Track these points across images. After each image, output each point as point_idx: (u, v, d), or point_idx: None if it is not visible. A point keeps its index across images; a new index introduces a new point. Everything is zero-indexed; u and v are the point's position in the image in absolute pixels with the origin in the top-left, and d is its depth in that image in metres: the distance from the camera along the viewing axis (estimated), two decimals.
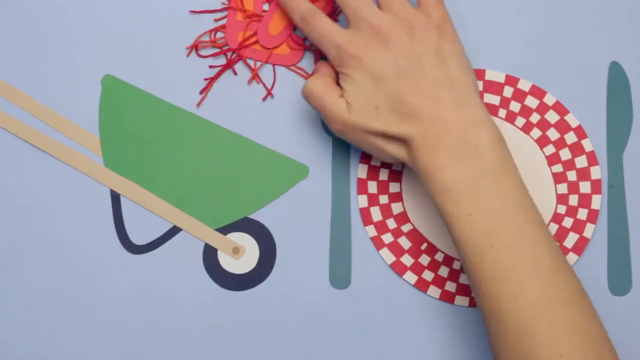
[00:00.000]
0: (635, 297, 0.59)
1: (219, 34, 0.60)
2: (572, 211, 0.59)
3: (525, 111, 0.60)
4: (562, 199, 0.59)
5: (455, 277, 0.59)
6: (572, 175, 0.59)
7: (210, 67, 0.59)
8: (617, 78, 0.60)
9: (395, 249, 0.59)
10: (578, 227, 0.59)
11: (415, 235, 0.59)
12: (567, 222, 0.59)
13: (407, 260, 0.59)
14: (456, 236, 0.51)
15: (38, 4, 0.61)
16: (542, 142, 0.59)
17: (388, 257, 0.59)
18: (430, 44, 0.52)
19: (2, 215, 0.60)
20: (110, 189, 0.60)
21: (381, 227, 0.59)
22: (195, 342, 0.59)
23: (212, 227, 0.59)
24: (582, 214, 0.59)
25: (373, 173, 0.60)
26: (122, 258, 0.60)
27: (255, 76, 0.59)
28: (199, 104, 0.59)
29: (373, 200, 0.60)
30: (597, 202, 0.59)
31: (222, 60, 0.60)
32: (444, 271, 0.59)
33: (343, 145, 0.60)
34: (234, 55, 0.59)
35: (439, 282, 0.59)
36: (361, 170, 0.60)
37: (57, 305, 0.60)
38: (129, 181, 0.60)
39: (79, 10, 0.61)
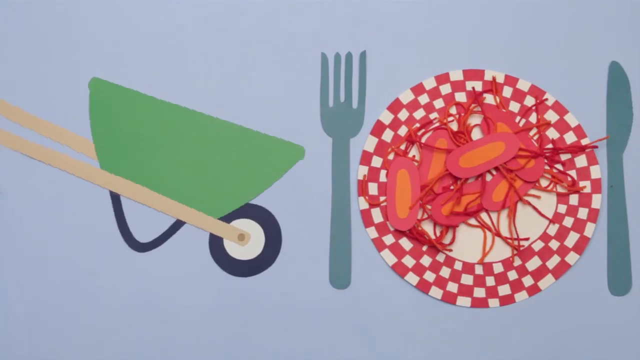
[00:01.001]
0: (636, 297, 0.59)
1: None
2: (572, 210, 0.59)
3: (525, 111, 0.60)
4: (562, 198, 0.59)
5: (457, 278, 0.59)
6: (572, 175, 0.59)
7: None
8: (617, 78, 0.60)
9: (397, 250, 0.59)
10: (579, 226, 0.59)
11: (416, 237, 0.59)
12: (568, 222, 0.59)
13: (408, 261, 0.59)
14: None
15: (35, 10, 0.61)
16: (542, 141, 0.59)
17: (389, 258, 0.59)
18: None
19: (5, 221, 0.60)
20: (109, 190, 0.59)
21: (382, 229, 0.59)
22: (207, 333, 0.59)
23: (215, 217, 0.59)
24: (583, 213, 0.59)
25: (373, 174, 0.60)
26: (129, 257, 0.60)
27: None
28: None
29: (374, 201, 0.59)
30: (597, 201, 0.59)
31: None
32: (445, 272, 0.59)
33: (343, 147, 0.60)
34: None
35: (440, 283, 0.59)
36: (361, 172, 0.60)
37: (75, 308, 0.60)
38: (126, 181, 0.59)
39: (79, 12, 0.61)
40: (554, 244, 0.59)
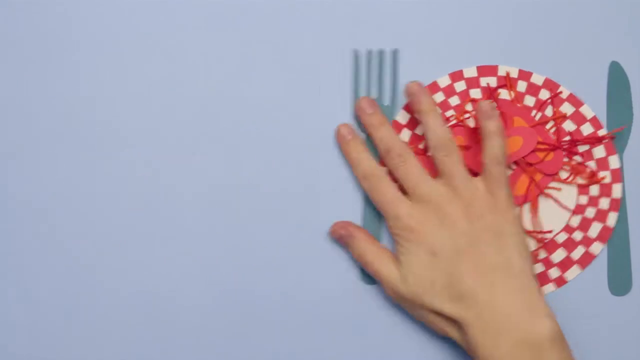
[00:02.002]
0: (636, 297, 0.59)
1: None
2: (593, 201, 0.59)
3: (540, 105, 0.60)
4: (582, 189, 0.59)
5: None
6: (591, 166, 0.60)
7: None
8: (617, 78, 0.61)
9: None
10: (601, 216, 0.59)
11: None
12: (590, 212, 0.59)
13: None
14: None
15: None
16: (559, 134, 0.60)
17: None
18: (491, 225, 0.52)
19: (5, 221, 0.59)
20: None
21: None
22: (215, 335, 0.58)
23: None
24: (604, 203, 0.59)
25: None
26: (129, 256, 0.59)
27: None
28: None
29: None
30: (617, 190, 0.59)
31: None
32: None
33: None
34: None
35: None
36: None
37: (75, 307, 0.58)
38: None
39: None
40: (578, 235, 0.59)
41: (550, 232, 0.59)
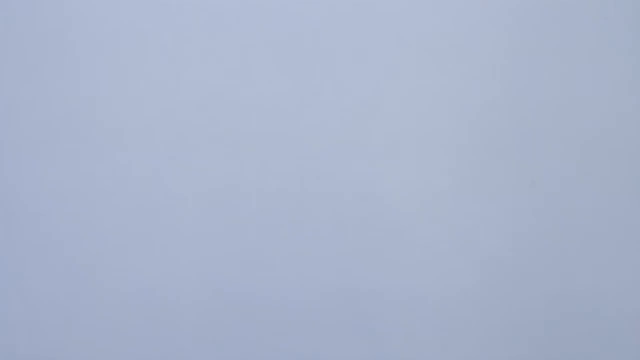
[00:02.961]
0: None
1: None
2: None
3: None
4: None
5: None
6: None
7: None
8: None
9: None
10: None
11: None
12: None
13: None
14: None
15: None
16: None
17: None
18: None
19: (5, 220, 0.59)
20: None
21: None
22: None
23: None
24: None
25: None
26: (129, 256, 0.59)
27: None
28: None
29: None
30: None
31: None
32: None
33: None
34: None
35: None
36: None
37: (76, 307, 0.59)
38: None
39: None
40: None
41: None
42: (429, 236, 0.62)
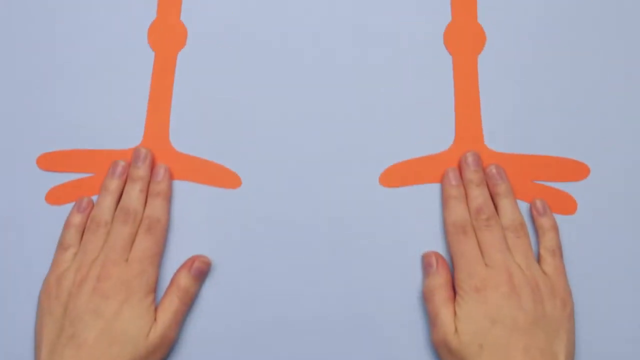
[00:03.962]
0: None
1: None
2: None
3: None
4: None
5: None
6: None
7: None
8: None
9: None
10: None
11: None
12: None
13: None
14: None
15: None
16: None
17: None
18: (550, 313, 0.54)
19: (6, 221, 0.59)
20: None
21: None
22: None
23: None
24: None
25: None
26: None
27: None
28: None
29: None
30: None
31: None
32: None
33: None
34: None
35: None
36: None
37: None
38: None
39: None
40: None
41: None
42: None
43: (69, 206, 0.58)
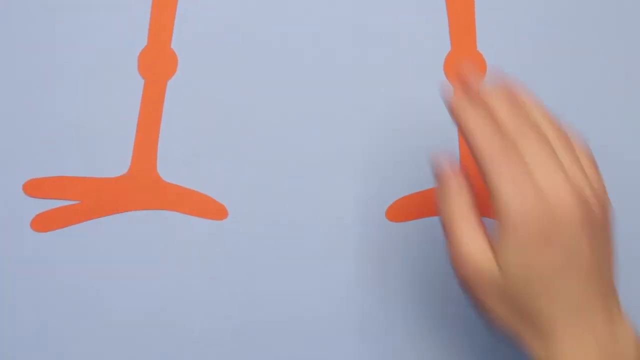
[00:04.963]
0: None
1: None
2: None
3: None
4: None
5: None
6: None
7: None
8: None
9: None
10: None
11: None
12: None
13: None
14: None
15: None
16: None
17: None
18: (601, 238, 0.44)
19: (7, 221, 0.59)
20: None
21: None
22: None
23: None
24: None
25: None
26: (133, 260, 0.59)
27: None
28: None
29: None
30: None
31: None
32: None
33: None
34: None
35: None
36: None
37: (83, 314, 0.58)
38: None
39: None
40: None
41: None
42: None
43: (53, 233, 0.58)
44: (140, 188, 0.58)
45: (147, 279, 0.58)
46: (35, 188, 0.59)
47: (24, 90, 0.61)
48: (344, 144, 0.60)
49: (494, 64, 0.61)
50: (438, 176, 0.46)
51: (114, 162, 0.59)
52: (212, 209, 0.59)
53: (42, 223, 0.58)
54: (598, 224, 0.43)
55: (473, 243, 0.43)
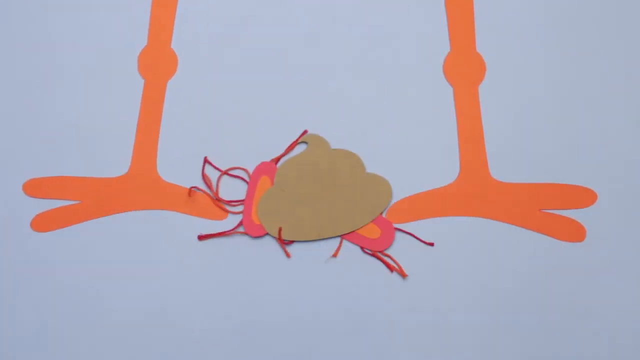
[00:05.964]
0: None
1: None
2: None
3: None
4: None
5: None
6: None
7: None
8: None
9: None
10: None
11: None
12: None
13: None
14: None
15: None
16: None
17: None
18: None
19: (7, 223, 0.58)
20: None
21: None
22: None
23: None
24: None
25: None
26: (135, 263, 0.58)
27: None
28: None
29: None
30: None
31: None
32: None
33: None
34: None
35: None
36: None
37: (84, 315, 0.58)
38: None
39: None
40: None
41: None
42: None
43: (53, 233, 0.58)
44: (140, 188, 0.58)
45: (147, 279, 0.58)
46: (35, 188, 0.59)
47: (24, 90, 0.61)
48: (344, 144, 0.60)
49: (493, 65, 0.61)
50: None
51: (114, 162, 0.59)
52: (212, 209, 0.58)
53: (42, 223, 0.58)
54: None
55: None
